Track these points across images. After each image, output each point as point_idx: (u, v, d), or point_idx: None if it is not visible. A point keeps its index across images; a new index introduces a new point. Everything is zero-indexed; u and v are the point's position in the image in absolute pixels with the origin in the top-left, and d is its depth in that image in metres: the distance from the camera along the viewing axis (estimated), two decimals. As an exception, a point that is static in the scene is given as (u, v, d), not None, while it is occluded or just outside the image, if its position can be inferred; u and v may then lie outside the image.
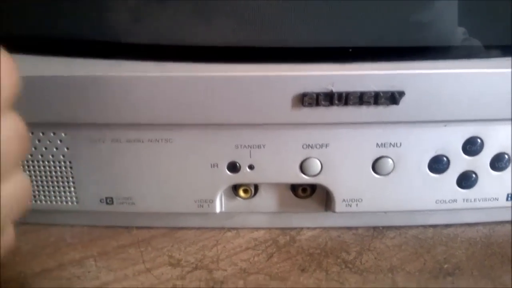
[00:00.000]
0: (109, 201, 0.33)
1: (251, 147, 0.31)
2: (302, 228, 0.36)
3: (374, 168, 0.32)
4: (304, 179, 0.32)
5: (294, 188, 0.34)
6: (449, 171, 0.32)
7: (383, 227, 0.36)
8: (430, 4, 0.29)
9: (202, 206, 0.33)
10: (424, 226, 0.36)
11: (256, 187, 0.34)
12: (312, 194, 0.34)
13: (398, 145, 0.31)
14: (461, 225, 0.36)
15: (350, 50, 0.29)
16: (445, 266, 0.32)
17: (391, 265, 0.32)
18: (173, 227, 0.35)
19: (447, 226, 0.36)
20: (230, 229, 0.35)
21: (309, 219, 0.35)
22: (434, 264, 0.32)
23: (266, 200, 0.34)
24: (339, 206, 0.33)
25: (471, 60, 0.29)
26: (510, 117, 0.30)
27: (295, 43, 0.30)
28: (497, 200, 0.33)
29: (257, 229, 0.35)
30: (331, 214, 0.34)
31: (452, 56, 0.30)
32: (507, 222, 0.36)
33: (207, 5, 0.29)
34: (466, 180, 0.32)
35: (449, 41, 0.30)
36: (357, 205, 0.33)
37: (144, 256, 0.33)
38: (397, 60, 0.29)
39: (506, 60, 0.29)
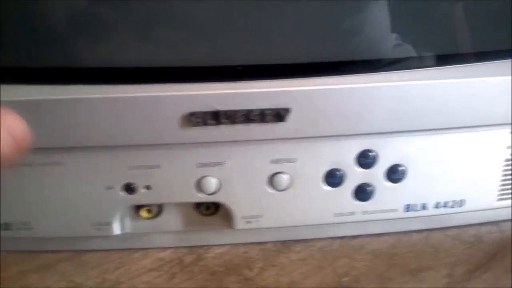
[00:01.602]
0: (7, 226, 0.32)
1: (145, 168, 0.31)
2: (211, 246, 0.35)
3: (272, 184, 0.32)
4: (202, 198, 0.32)
5: (198, 206, 0.34)
6: (345, 184, 0.32)
7: (292, 241, 0.36)
8: (312, 23, 0.30)
9: (100, 229, 0.32)
10: (333, 238, 0.36)
11: (160, 207, 0.34)
12: (217, 211, 0.34)
13: (293, 160, 0.31)
14: (369, 235, 0.36)
15: (239, 68, 0.29)
16: (344, 279, 0.32)
17: (292, 280, 0.32)
18: (79, 250, 0.35)
19: (355, 237, 0.36)
20: (138, 249, 0.35)
21: (218, 236, 0.35)
22: (334, 277, 0.32)
23: (171, 219, 0.34)
24: (239, 223, 0.33)
25: (357, 75, 0.30)
26: (401, 129, 0.31)
27: (184, 62, 0.30)
28: (396, 211, 0.34)
29: (165, 248, 0.35)
30: (238, 230, 0.34)
31: (339, 72, 0.30)
32: (412, 231, 0.36)
33: (91, 26, 0.29)
34: (362, 192, 0.33)
35: (335, 57, 0.30)
36: (257, 221, 0.33)
37: (46, 281, 0.32)
38: (283, 78, 0.29)
39: (392, 74, 0.30)
